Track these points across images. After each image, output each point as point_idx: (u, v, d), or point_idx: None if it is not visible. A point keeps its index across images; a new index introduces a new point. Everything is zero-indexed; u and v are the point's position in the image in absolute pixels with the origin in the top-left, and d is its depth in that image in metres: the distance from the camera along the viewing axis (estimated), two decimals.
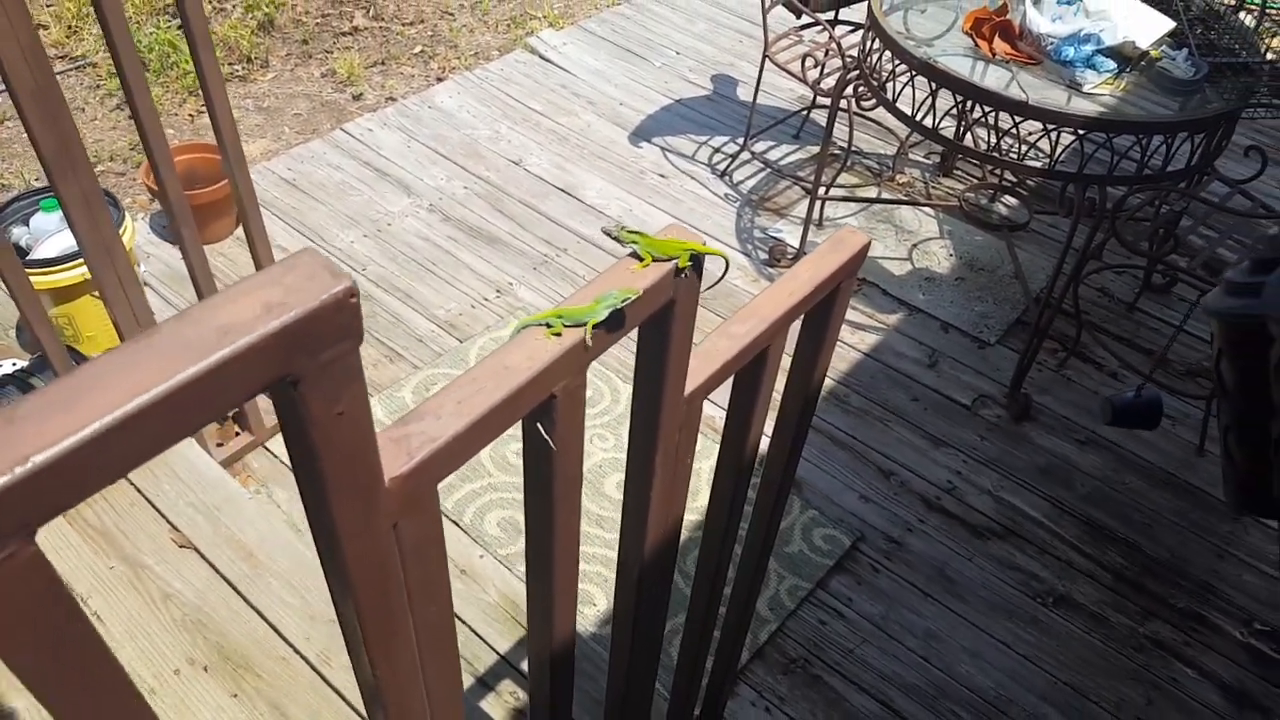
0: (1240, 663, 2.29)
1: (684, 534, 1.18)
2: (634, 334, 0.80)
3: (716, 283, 0.89)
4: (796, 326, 1.08)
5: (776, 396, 1.16)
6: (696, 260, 0.71)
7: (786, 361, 1.16)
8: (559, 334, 0.63)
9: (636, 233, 0.69)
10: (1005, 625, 2.30)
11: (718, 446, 1.15)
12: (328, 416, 0.48)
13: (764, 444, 1.24)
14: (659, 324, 0.75)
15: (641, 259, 0.68)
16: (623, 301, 0.65)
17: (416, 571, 0.62)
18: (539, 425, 0.70)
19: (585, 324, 0.64)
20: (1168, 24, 2.46)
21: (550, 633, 0.89)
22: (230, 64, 4.14)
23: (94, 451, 0.38)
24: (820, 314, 1.04)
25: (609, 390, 2.71)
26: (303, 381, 0.45)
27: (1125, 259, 3.26)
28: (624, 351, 2.78)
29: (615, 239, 0.71)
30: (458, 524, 2.33)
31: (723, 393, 1.10)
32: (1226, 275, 0.76)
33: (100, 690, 0.47)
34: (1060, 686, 2.21)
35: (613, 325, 0.65)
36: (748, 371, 0.98)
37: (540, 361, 0.64)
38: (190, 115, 3.76)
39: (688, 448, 0.93)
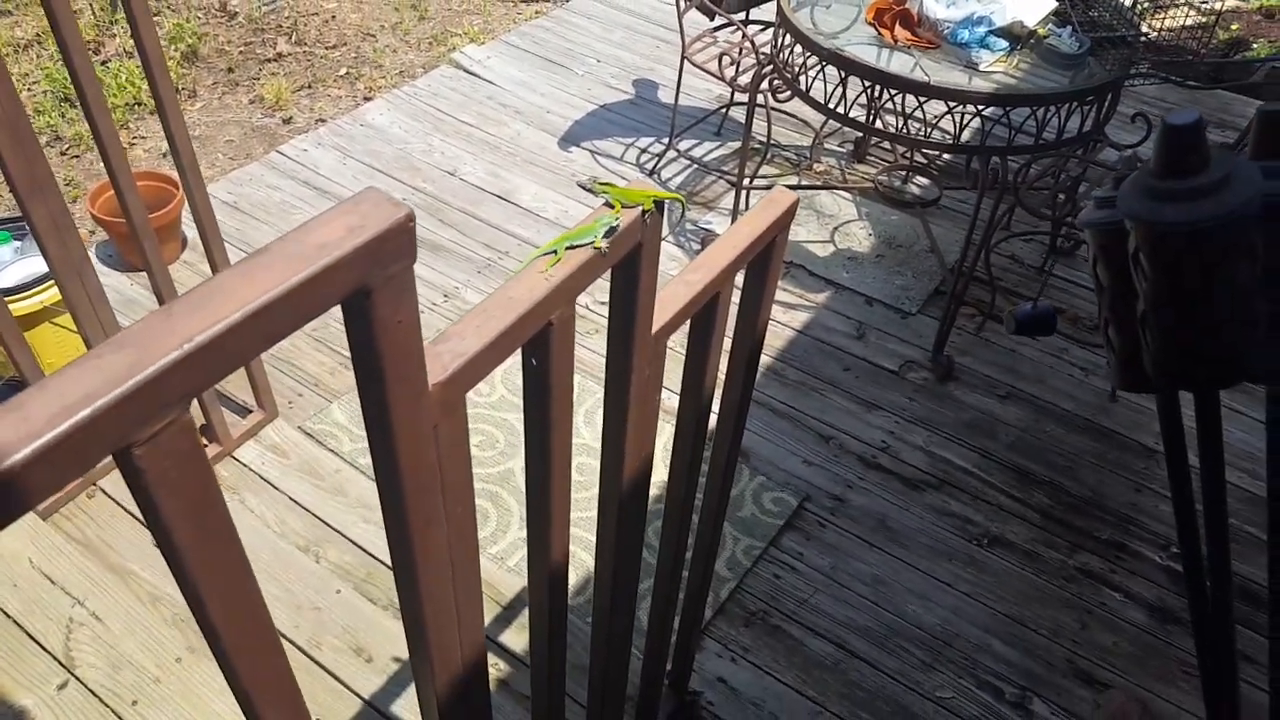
0: (1160, 583, 2.50)
1: (648, 508, 1.32)
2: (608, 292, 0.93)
3: (679, 223, 1.04)
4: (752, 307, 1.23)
5: (729, 345, 1.31)
6: (659, 206, 0.85)
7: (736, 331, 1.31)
8: (560, 259, 0.77)
9: (607, 184, 0.83)
10: (946, 567, 2.48)
11: (673, 427, 1.29)
12: (391, 323, 0.60)
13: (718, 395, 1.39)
14: (629, 265, 0.89)
15: (613, 206, 0.82)
16: (615, 219, 0.79)
17: (450, 471, 0.74)
18: (532, 360, 0.84)
19: (591, 241, 0.78)
20: (1051, 3, 2.69)
21: (549, 541, 1.02)
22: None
23: (233, 336, 0.50)
24: (760, 263, 1.18)
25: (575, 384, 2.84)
26: (374, 292, 0.58)
27: (1032, 227, 3.49)
28: (593, 356, 2.91)
29: (590, 190, 0.85)
30: None
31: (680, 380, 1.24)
32: (1094, 194, 0.92)
33: (222, 543, 0.59)
34: (1001, 618, 2.39)
35: (609, 235, 0.80)
36: (703, 314, 1.12)
37: (538, 294, 0.77)
38: (126, 144, 3.80)
39: (655, 384, 1.07)
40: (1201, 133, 0.81)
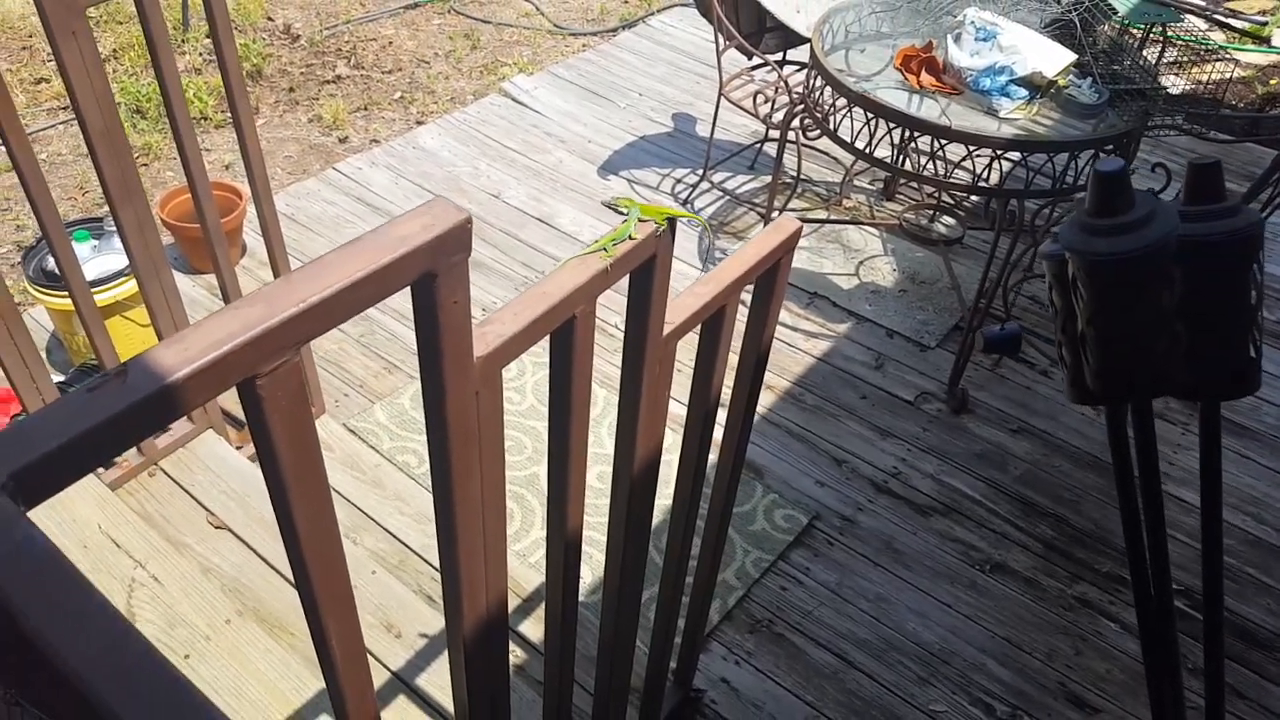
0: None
1: (655, 518, 1.47)
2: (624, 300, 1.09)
3: (708, 250, 1.20)
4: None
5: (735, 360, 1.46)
6: (672, 225, 1.01)
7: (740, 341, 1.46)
8: (612, 255, 0.95)
9: (629, 200, 1.00)
10: (947, 589, 2.60)
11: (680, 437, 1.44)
12: (449, 303, 0.76)
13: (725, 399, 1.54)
14: (644, 273, 1.05)
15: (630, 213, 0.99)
16: (640, 220, 0.97)
17: (487, 434, 0.90)
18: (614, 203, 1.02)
19: (628, 237, 0.96)
20: (1070, 56, 2.83)
21: (565, 518, 1.17)
22: (222, 111, 4.42)
23: (336, 299, 0.67)
24: (766, 281, 1.34)
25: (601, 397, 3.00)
26: (439, 276, 0.74)
27: None
28: (601, 360, 3.07)
29: (613, 209, 1.02)
30: None
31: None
32: (1054, 230, 1.07)
33: (317, 486, 0.75)
34: (998, 640, 2.50)
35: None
36: (711, 323, 1.27)
37: (566, 290, 0.93)
38: None
39: (665, 381, 1.23)
40: (1126, 179, 0.95)
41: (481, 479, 0.93)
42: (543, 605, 2.41)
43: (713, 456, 1.64)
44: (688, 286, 1.22)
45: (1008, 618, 2.55)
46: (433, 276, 0.74)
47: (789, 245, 1.33)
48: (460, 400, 0.84)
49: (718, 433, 1.56)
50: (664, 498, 2.56)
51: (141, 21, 1.85)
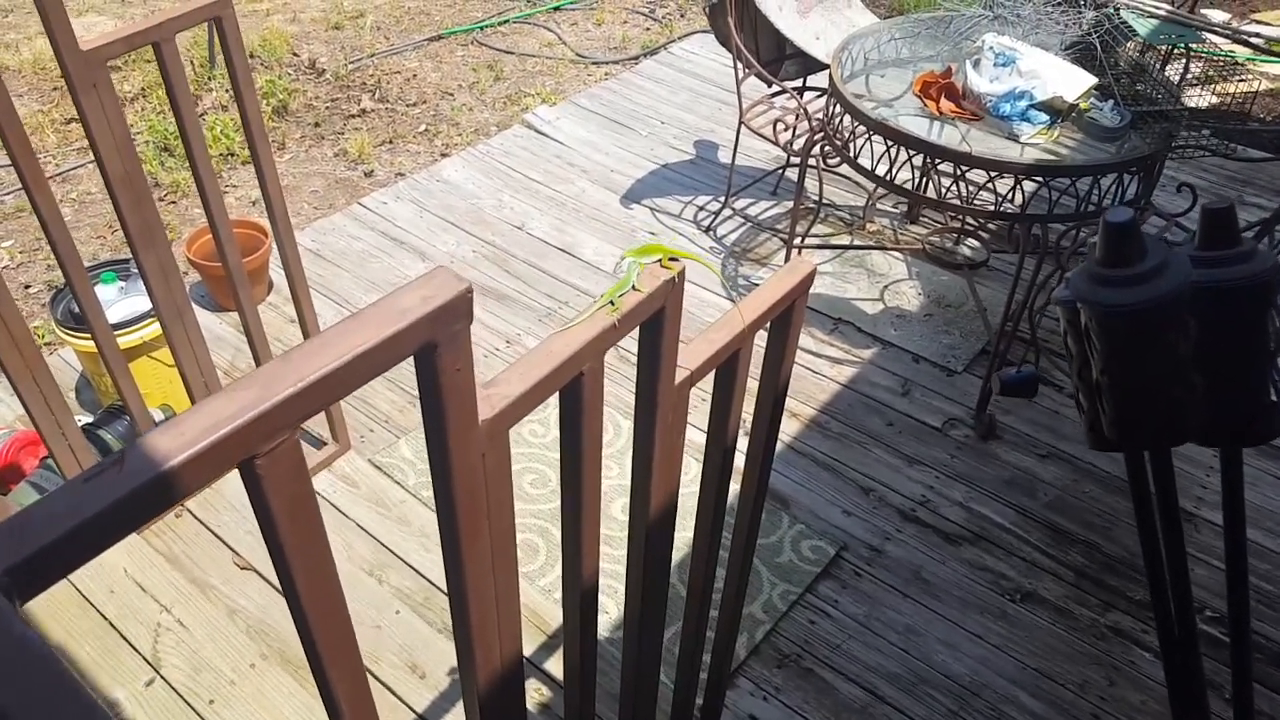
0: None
1: (678, 553, 1.46)
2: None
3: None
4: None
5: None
6: (681, 274, 1.01)
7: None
8: (619, 308, 0.95)
9: (642, 249, 1.02)
10: (977, 619, 2.56)
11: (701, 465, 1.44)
12: (451, 370, 0.76)
13: (743, 442, 1.53)
14: (654, 325, 1.05)
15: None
16: (640, 272, 0.98)
17: (494, 491, 0.90)
18: None
19: (631, 288, 0.97)
20: (1091, 80, 2.81)
21: (580, 568, 1.17)
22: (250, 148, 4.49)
23: (334, 377, 0.67)
24: (781, 323, 1.33)
25: (612, 425, 2.99)
26: (440, 345, 0.74)
27: None
28: (624, 390, 3.07)
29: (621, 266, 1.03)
30: None
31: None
32: (1068, 276, 1.06)
33: (319, 557, 0.75)
34: (1029, 671, 2.46)
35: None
36: (725, 368, 1.27)
37: (572, 349, 0.93)
38: (222, 191, 4.09)
39: (679, 428, 1.22)
40: (1136, 228, 0.94)
41: (490, 535, 0.93)
42: (596, 603, 2.41)
43: (736, 486, 1.64)
44: (701, 332, 1.21)
45: (1039, 648, 2.51)
46: (434, 347, 0.74)
47: (804, 286, 1.32)
48: (466, 464, 0.84)
49: (739, 460, 1.55)
50: (687, 529, 2.56)
51: (163, 75, 1.88)
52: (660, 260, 0.99)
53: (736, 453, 1.44)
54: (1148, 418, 1.01)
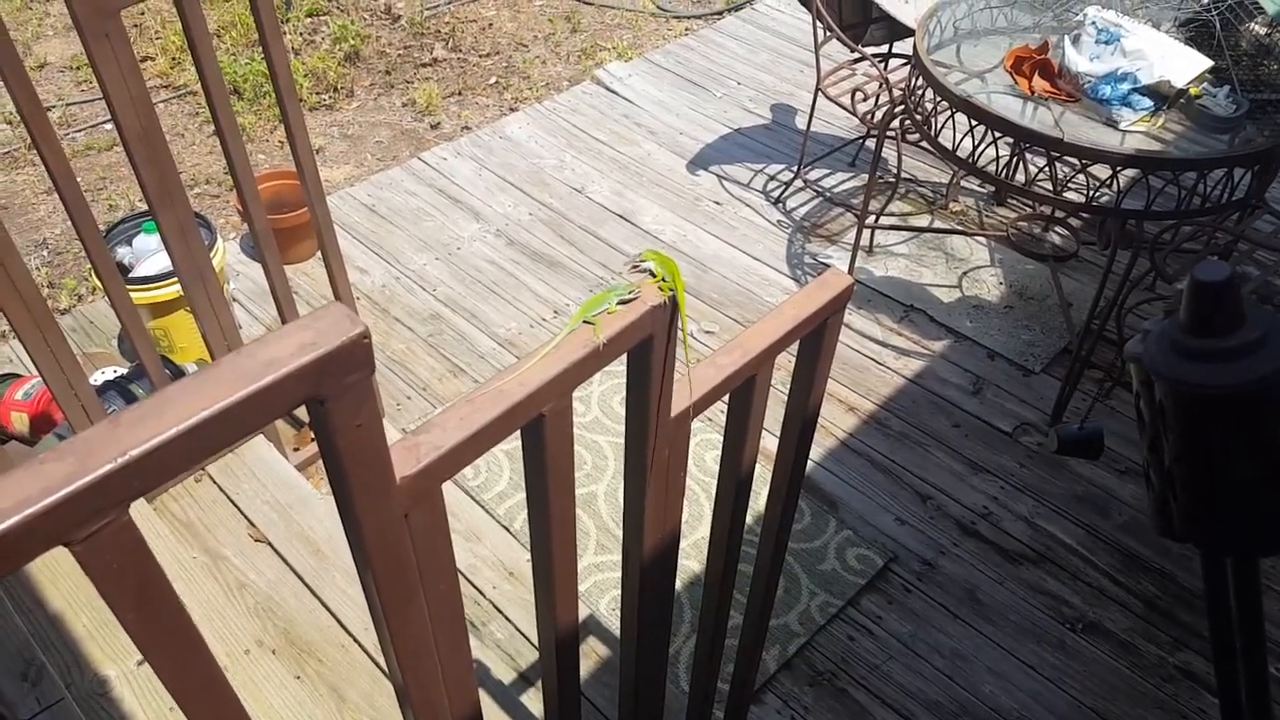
0: (1274, 698, 2.31)
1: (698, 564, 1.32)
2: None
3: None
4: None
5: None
6: (674, 300, 0.86)
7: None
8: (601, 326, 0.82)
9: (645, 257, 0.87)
10: (1032, 649, 2.37)
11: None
12: (349, 428, 0.63)
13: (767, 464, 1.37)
14: (641, 354, 0.89)
15: (654, 274, 0.86)
16: (629, 292, 0.83)
17: (426, 553, 0.77)
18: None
19: (618, 304, 0.83)
20: (1205, 63, 2.52)
21: (554, 621, 1.03)
22: (318, 93, 4.41)
23: (171, 449, 0.54)
24: (812, 344, 1.16)
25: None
26: (329, 400, 0.60)
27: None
28: None
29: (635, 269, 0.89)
30: (508, 529, 2.49)
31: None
32: (1144, 326, 0.86)
33: (177, 645, 0.63)
34: (1084, 710, 2.26)
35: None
36: (739, 395, 1.11)
37: (529, 389, 0.78)
38: (280, 141, 4.03)
39: (679, 463, 1.07)
40: (1234, 289, 0.73)
41: (426, 600, 0.80)
42: (580, 645, 2.29)
43: (761, 505, 1.48)
44: (709, 356, 1.05)
45: (1098, 686, 2.31)
46: (320, 401, 0.60)
47: (838, 304, 1.15)
48: (380, 527, 0.70)
49: (758, 484, 1.40)
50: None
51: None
52: (607, 309, 0.83)
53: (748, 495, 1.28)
54: (1228, 520, 0.83)
